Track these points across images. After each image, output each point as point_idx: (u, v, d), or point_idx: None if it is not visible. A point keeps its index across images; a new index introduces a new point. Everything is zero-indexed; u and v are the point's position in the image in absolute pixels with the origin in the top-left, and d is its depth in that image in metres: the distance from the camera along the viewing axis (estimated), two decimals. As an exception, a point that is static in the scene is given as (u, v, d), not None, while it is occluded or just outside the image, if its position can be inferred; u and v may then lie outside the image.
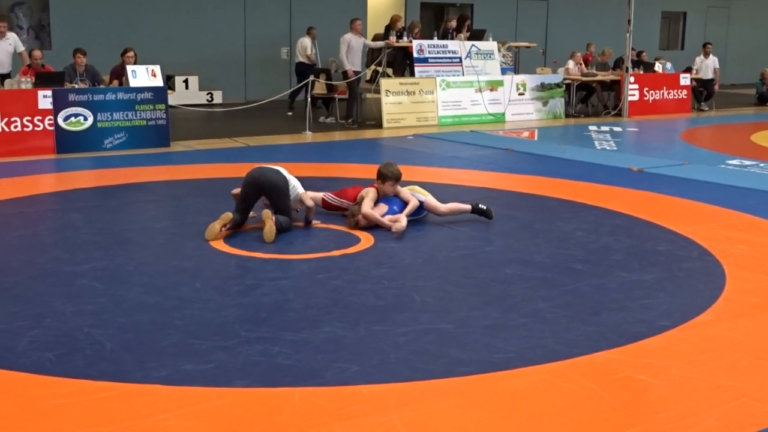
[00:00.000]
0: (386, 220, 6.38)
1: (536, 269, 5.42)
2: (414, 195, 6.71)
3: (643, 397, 3.55)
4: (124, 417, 3.28)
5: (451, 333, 4.25)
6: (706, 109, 17.23)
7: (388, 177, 6.53)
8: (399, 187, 6.65)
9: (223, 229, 6.08)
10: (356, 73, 13.58)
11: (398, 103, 13.53)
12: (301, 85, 13.87)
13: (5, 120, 9.85)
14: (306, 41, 15.06)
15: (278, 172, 6.37)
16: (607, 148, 11.45)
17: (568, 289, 5.02)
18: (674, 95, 16.60)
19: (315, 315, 4.49)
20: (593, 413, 3.40)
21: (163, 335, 4.16)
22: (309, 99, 12.89)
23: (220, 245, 5.88)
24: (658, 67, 16.77)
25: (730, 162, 10.11)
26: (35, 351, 3.92)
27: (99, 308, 4.55)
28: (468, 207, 6.80)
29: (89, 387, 3.55)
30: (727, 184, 8.50)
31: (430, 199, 6.78)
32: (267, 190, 6.28)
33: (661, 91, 16.40)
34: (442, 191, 7.30)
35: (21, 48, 11.57)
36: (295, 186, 6.47)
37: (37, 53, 11.00)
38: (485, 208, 6.78)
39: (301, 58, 15.10)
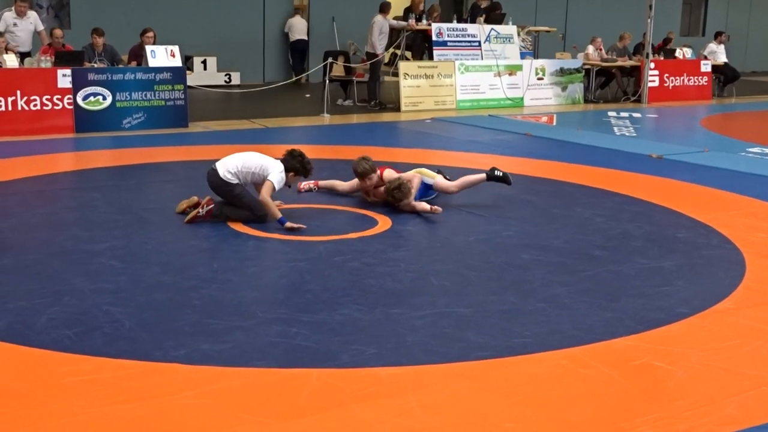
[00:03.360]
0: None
1: (554, 254, 5.40)
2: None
3: (661, 384, 3.53)
4: (142, 395, 3.30)
5: (469, 317, 4.24)
6: (726, 94, 17.11)
7: (355, 173, 6.53)
8: (395, 173, 6.51)
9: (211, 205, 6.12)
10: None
11: (416, 86, 13.46)
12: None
13: (25, 98, 9.89)
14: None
15: (215, 174, 6.04)
16: (627, 134, 11.37)
17: (586, 275, 5.00)
18: (695, 82, 16.44)
19: (332, 297, 4.49)
20: (611, 399, 3.39)
21: (180, 314, 4.17)
22: (327, 81, 12.85)
23: (239, 226, 5.89)
24: (679, 53, 16.62)
25: (750, 149, 10.01)
26: (54, 328, 3.95)
27: (117, 287, 4.57)
28: (482, 176, 6.60)
29: (108, 365, 3.57)
30: (747, 171, 8.43)
31: (438, 180, 6.66)
32: (215, 193, 6.12)
33: (682, 78, 16.25)
34: (459, 175, 7.25)
35: (41, 27, 11.57)
36: (252, 172, 6.03)
37: (58, 32, 11.00)
38: (501, 174, 6.55)
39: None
